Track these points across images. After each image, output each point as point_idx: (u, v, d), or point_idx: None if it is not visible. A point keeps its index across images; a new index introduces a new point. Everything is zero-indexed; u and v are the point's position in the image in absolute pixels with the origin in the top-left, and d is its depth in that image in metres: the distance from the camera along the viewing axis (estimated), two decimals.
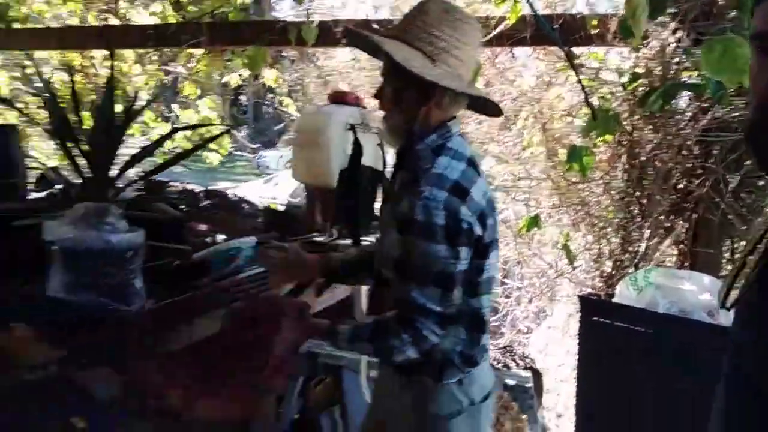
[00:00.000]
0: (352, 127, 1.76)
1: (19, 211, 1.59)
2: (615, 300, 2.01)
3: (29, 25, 3.36)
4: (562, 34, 2.06)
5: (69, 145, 1.31)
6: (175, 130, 2.00)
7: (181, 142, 3.04)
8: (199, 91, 3.20)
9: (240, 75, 3.13)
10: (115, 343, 1.35)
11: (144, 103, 1.50)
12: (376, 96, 1.20)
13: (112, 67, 1.38)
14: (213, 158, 3.53)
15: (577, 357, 2.14)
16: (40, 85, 3.49)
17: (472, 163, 1.14)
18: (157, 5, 3.21)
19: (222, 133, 2.71)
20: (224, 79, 3.22)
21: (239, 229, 2.51)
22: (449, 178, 1.06)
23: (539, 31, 2.08)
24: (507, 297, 3.28)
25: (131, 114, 1.39)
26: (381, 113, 1.21)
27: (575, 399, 2.16)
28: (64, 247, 1.33)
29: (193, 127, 2.51)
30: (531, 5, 1.91)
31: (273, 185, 7.53)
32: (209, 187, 3.03)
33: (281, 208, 2.46)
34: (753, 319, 0.65)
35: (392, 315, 1.10)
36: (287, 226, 2.17)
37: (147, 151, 1.46)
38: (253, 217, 2.77)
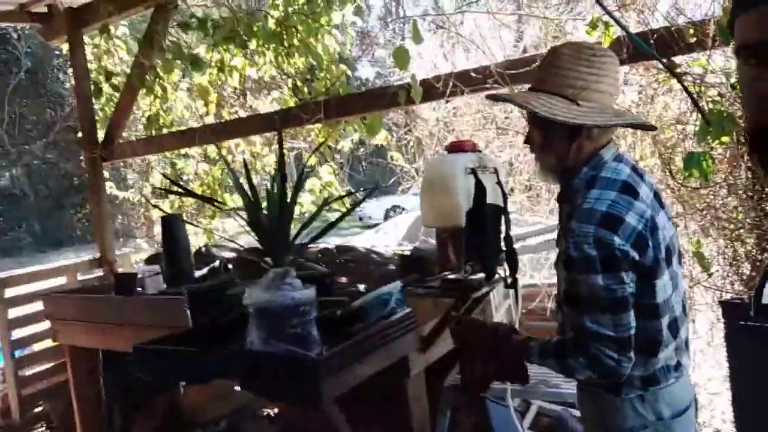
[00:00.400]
0: (473, 171, 1.95)
1: (215, 286, 1.92)
2: (765, 301, 1.96)
3: (174, 129, 3.98)
4: (660, 47, 2.10)
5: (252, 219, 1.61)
6: (326, 202, 2.33)
7: (309, 207, 3.43)
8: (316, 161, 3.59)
9: (352, 141, 3.49)
10: (309, 386, 1.59)
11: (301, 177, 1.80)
12: (526, 141, 1.31)
13: (281, 150, 1.66)
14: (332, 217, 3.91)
15: (728, 366, 2.08)
16: (186, 177, 4.08)
17: (628, 187, 1.16)
18: (275, 92, 3.70)
19: (345, 196, 3.03)
20: (339, 146, 3.59)
21: (377, 278, 2.77)
22: (598, 210, 1.13)
23: (636, 50, 2.16)
24: None
25: (296, 190, 1.69)
26: (533, 157, 1.33)
27: (732, 412, 2.08)
28: (259, 307, 1.63)
29: (342, 197, 2.87)
30: (624, 28, 2.00)
31: (383, 234, 7.86)
32: (339, 244, 3.33)
33: (409, 254, 2.68)
34: None
35: (571, 338, 1.18)
36: (421, 268, 2.38)
37: (311, 220, 1.75)
38: (385, 266, 3.02)
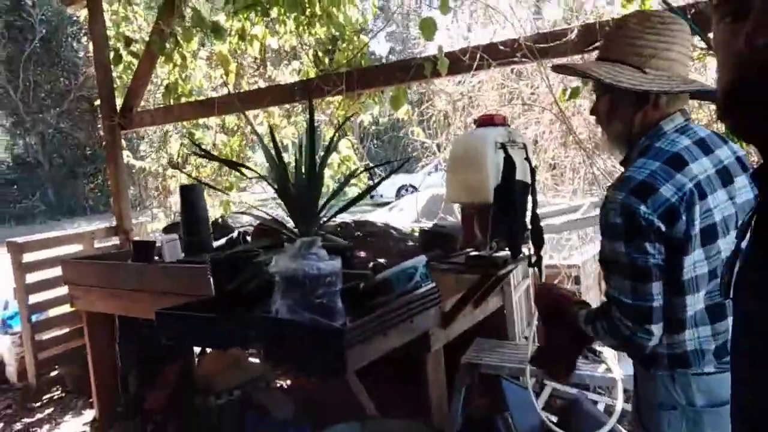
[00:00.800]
0: (503, 146, 1.91)
1: (240, 253, 1.91)
2: None
3: (193, 98, 3.94)
4: (697, 21, 2.04)
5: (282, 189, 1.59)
6: (354, 173, 2.29)
7: (327, 181, 3.40)
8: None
9: (371, 114, 3.44)
10: (334, 355, 1.59)
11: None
12: (592, 112, 1.29)
13: (311, 117, 1.62)
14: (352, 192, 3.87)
15: None
16: (205, 148, 4.05)
17: (676, 159, 1.12)
18: (296, 63, 3.65)
19: (363, 171, 2.99)
20: (358, 120, 3.55)
21: (396, 253, 2.75)
22: (635, 179, 1.12)
23: None
24: None
25: (325, 158, 1.66)
26: (599, 128, 1.33)
27: None
28: (285, 276, 1.62)
29: (370, 169, 2.83)
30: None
31: (398, 211, 7.83)
32: (356, 219, 3.31)
33: (430, 229, 2.65)
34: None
35: (601, 302, 1.23)
36: (444, 243, 2.35)
37: (338, 190, 1.72)
38: (404, 241, 3.00)
